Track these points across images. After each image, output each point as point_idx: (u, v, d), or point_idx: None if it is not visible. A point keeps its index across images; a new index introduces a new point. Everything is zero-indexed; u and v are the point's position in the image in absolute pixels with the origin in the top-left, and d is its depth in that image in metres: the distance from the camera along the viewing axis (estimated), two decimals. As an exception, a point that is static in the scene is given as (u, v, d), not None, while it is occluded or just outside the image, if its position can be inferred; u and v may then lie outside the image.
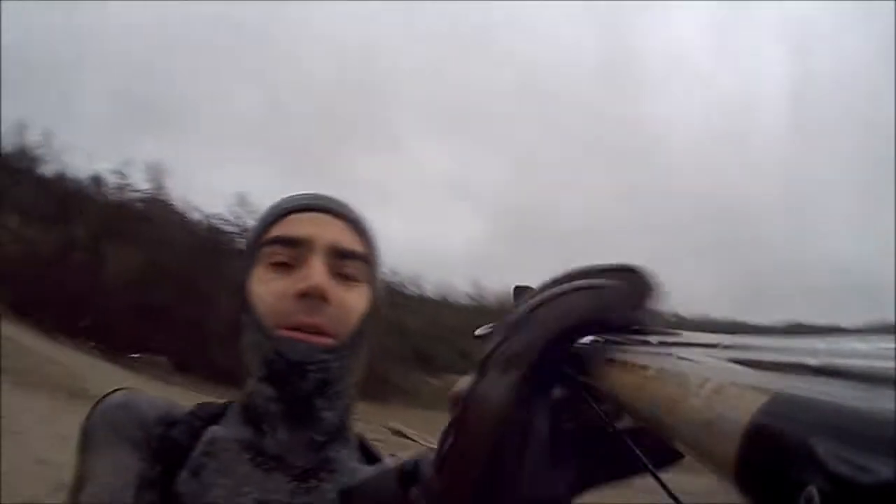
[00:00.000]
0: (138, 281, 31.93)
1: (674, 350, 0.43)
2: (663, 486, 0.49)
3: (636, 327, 0.58)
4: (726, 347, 0.38)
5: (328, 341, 1.00)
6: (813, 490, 0.26)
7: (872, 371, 0.27)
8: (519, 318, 0.57)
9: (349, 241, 1.07)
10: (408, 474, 0.73)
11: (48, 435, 10.02)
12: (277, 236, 1.05)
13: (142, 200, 37.87)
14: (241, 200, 43.30)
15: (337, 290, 1.02)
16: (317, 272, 1.01)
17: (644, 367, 0.44)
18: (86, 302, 29.57)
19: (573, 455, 0.61)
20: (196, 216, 37.94)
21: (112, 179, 38.10)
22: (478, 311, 47.00)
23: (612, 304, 0.57)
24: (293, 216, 1.07)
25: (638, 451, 0.59)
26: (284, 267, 1.03)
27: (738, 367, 0.35)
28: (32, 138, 37.75)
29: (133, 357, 28.73)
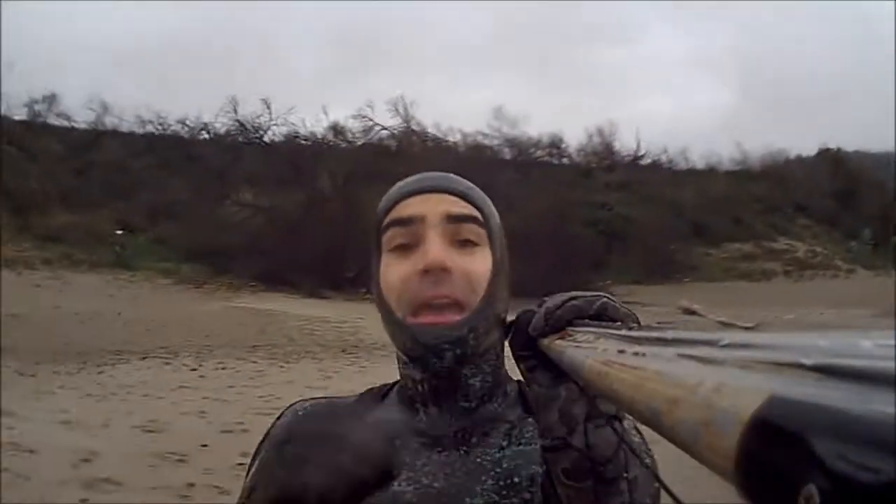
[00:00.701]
0: None
1: (672, 348, 0.45)
2: (662, 485, 0.62)
3: (632, 324, 0.76)
4: (725, 346, 0.39)
5: (456, 318, 1.06)
6: (812, 488, 0.26)
7: (872, 369, 0.27)
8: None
9: (460, 207, 1.12)
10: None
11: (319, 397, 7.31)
12: (392, 220, 1.13)
13: (392, 136, 39.88)
14: (498, 113, 46.09)
15: (458, 259, 1.08)
16: (434, 246, 1.07)
17: (642, 367, 0.47)
18: (346, 251, 28.86)
19: None
20: (454, 138, 40.30)
21: (354, 125, 39.91)
22: (744, 175, 50.66)
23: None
24: (403, 202, 1.14)
25: (634, 449, 0.89)
26: (405, 248, 1.10)
27: (736, 365, 0.36)
28: (248, 111, 38.78)
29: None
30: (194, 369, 12.40)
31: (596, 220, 37.26)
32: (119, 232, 31.37)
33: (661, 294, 30.41)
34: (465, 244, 1.10)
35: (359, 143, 39.63)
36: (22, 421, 7.82)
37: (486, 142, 41.01)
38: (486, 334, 1.09)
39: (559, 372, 0.86)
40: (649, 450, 1.02)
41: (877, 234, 46.30)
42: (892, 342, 0.28)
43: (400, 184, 1.19)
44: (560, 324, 0.88)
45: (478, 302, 1.07)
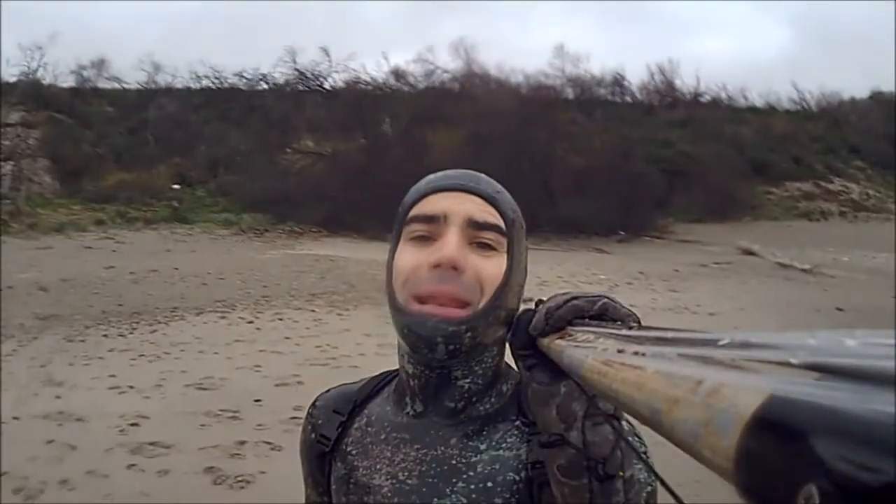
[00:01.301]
0: (462, 158, 30.02)
1: (672, 348, 0.46)
2: (662, 482, 0.62)
3: (632, 324, 0.79)
4: (724, 345, 0.40)
5: (459, 313, 1.07)
6: (812, 488, 0.27)
7: (872, 369, 0.28)
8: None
9: (484, 213, 1.13)
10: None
11: (376, 346, 9.81)
12: (416, 215, 1.15)
13: (454, 79, 39.47)
14: (559, 51, 46.72)
15: (471, 259, 1.09)
16: (451, 244, 1.08)
17: (642, 367, 0.48)
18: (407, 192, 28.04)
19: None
20: (516, 79, 39.08)
21: (415, 68, 40.22)
22: (804, 115, 50.60)
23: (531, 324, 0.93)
24: (431, 196, 1.15)
25: (633, 446, 0.90)
26: (423, 240, 1.12)
27: (736, 365, 0.36)
28: (307, 60, 39.25)
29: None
30: (251, 322, 12.15)
31: (658, 158, 36.40)
32: (176, 186, 31.69)
33: (721, 233, 30.15)
34: (484, 247, 1.11)
35: (420, 86, 39.62)
36: (70, 389, 7.78)
37: (549, 81, 40.24)
38: (483, 336, 1.09)
39: (558, 371, 0.85)
40: (646, 451, 0.99)
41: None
42: (892, 341, 0.28)
43: (428, 178, 1.20)
44: (561, 324, 0.88)
45: (482, 304, 1.08)
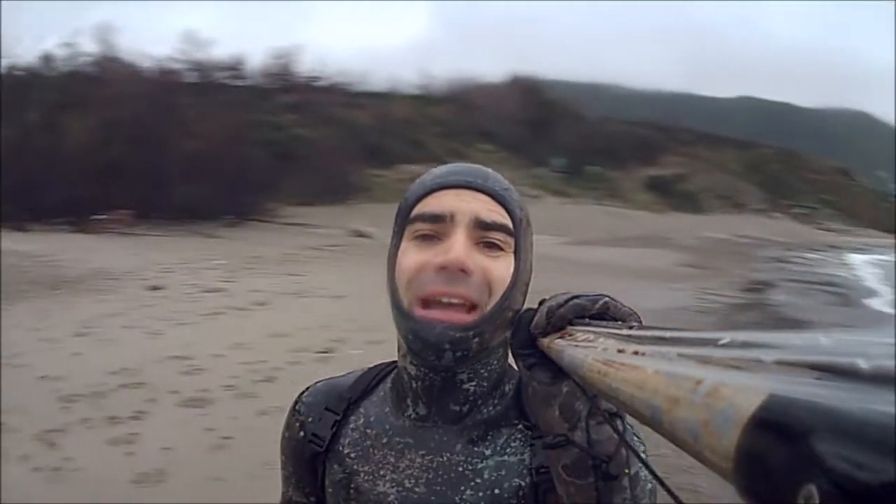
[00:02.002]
0: (94, 144, 32.15)
1: (672, 348, 0.45)
2: (661, 483, 0.60)
3: (633, 323, 0.77)
4: (724, 345, 0.39)
5: (465, 319, 1.04)
6: (812, 488, 0.26)
7: (872, 368, 0.27)
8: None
9: (492, 213, 1.08)
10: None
11: (41, 340, 9.90)
12: (422, 213, 1.09)
13: (93, 64, 39.42)
14: (189, 37, 45.32)
15: (479, 260, 1.05)
16: (458, 245, 1.04)
17: (642, 367, 0.47)
18: (48, 182, 29.15)
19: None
20: (146, 63, 39.78)
21: (61, 53, 39.78)
22: (426, 99, 52.64)
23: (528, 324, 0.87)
24: (437, 193, 1.10)
25: (632, 446, 0.83)
26: (430, 239, 1.07)
27: (735, 364, 0.36)
28: None
29: (96, 219, 29.66)
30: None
31: (270, 142, 37.78)
32: None
33: (332, 216, 31.61)
34: (491, 247, 1.07)
35: (65, 71, 39.48)
36: None
37: (176, 66, 41.28)
38: (491, 339, 1.07)
39: (559, 370, 0.80)
40: (645, 451, 0.97)
41: (572, 163, 48.83)
42: (892, 340, 0.29)
43: (433, 172, 1.14)
44: (562, 323, 0.83)
45: (491, 307, 1.05)
